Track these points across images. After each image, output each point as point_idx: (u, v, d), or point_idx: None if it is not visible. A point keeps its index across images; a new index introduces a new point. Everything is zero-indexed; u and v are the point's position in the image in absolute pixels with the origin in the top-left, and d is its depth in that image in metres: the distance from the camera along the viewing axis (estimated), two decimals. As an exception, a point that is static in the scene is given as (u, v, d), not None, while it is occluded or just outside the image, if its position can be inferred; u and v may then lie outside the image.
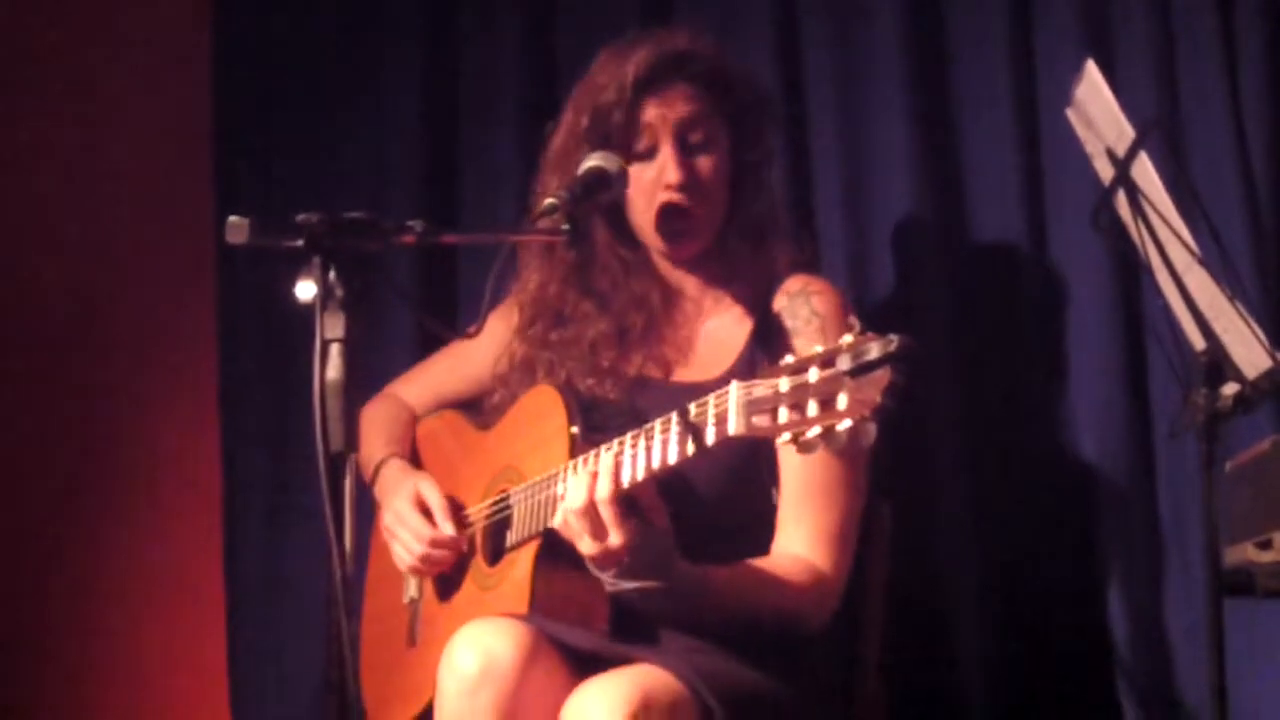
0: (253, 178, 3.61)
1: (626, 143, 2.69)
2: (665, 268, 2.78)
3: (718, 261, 2.76)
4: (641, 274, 2.76)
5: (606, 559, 2.45)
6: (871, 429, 2.08)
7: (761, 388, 2.19)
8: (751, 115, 2.76)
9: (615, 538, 2.42)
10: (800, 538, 2.62)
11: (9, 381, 3.59)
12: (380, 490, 2.87)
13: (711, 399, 2.30)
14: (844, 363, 2.09)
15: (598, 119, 2.70)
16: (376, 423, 2.96)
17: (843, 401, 2.08)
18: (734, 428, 2.24)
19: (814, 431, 2.11)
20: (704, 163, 2.71)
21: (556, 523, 2.49)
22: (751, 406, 2.20)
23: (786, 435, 2.15)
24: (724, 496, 2.65)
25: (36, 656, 3.60)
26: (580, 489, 2.44)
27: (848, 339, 2.11)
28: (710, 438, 2.30)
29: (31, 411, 3.61)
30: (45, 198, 3.62)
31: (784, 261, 2.76)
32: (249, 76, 3.63)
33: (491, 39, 3.47)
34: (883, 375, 2.06)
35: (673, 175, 2.69)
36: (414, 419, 3.00)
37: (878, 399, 2.06)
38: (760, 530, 2.65)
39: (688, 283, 2.78)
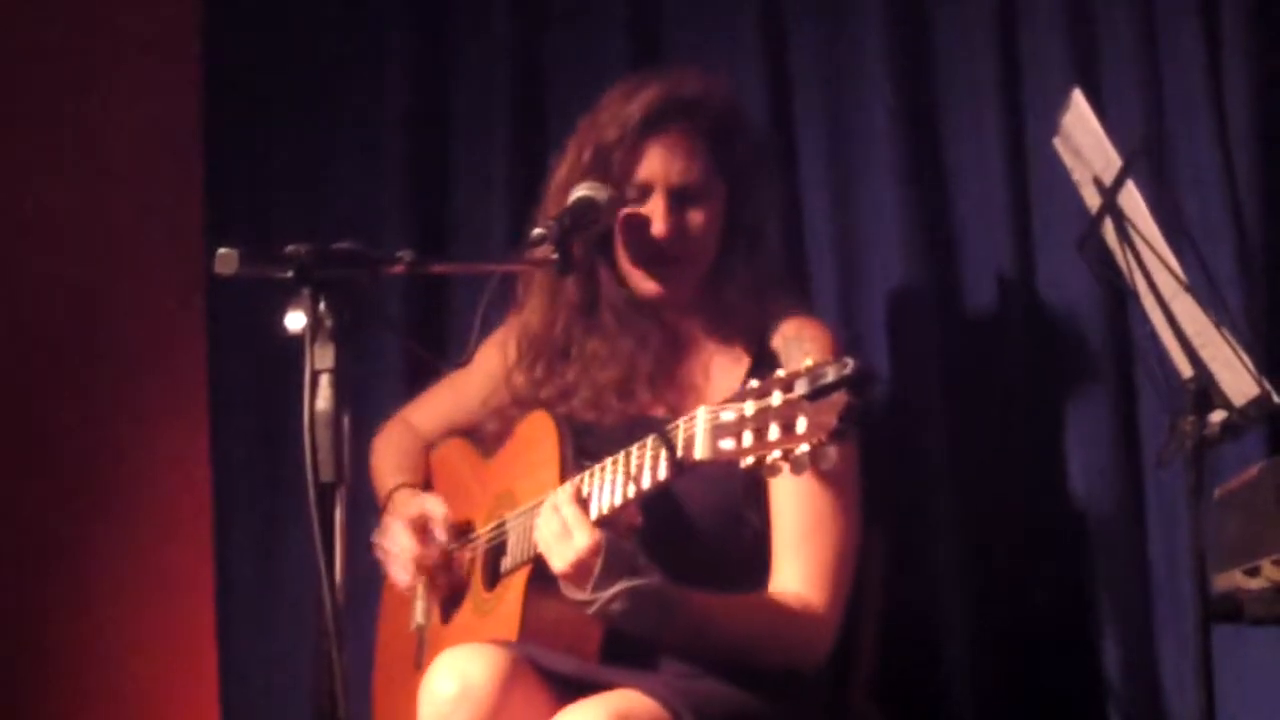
0: (244, 184, 3.62)
1: (623, 183, 2.69)
2: (663, 309, 2.77)
3: (714, 309, 2.76)
4: (644, 315, 2.76)
5: (579, 571, 2.45)
6: (831, 453, 2.11)
7: (727, 412, 2.20)
8: (751, 173, 2.76)
9: (581, 537, 2.43)
10: (795, 575, 2.62)
11: (2, 391, 3.59)
12: (388, 515, 2.90)
13: (681, 424, 2.32)
14: (801, 387, 2.12)
15: (599, 155, 2.70)
16: (389, 452, 3.01)
17: (801, 425, 2.11)
18: (700, 452, 2.26)
19: (774, 455, 2.13)
20: (694, 216, 2.71)
21: (536, 535, 2.51)
22: (718, 431, 2.21)
23: (750, 459, 2.16)
24: (717, 540, 2.66)
25: (27, 667, 3.59)
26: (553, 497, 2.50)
27: (807, 363, 2.13)
28: (680, 462, 2.32)
29: (26, 418, 3.60)
30: (40, 203, 3.61)
31: (780, 306, 2.76)
32: (240, 84, 3.65)
33: (482, 49, 3.48)
34: (839, 398, 2.09)
35: (660, 226, 2.69)
36: (424, 444, 3.03)
37: (834, 422, 2.08)
38: (755, 574, 2.66)
39: (687, 327, 2.78)
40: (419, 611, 2.90)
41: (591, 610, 2.47)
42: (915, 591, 3.03)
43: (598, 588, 2.45)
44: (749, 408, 2.16)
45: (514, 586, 2.64)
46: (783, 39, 3.26)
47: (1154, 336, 2.57)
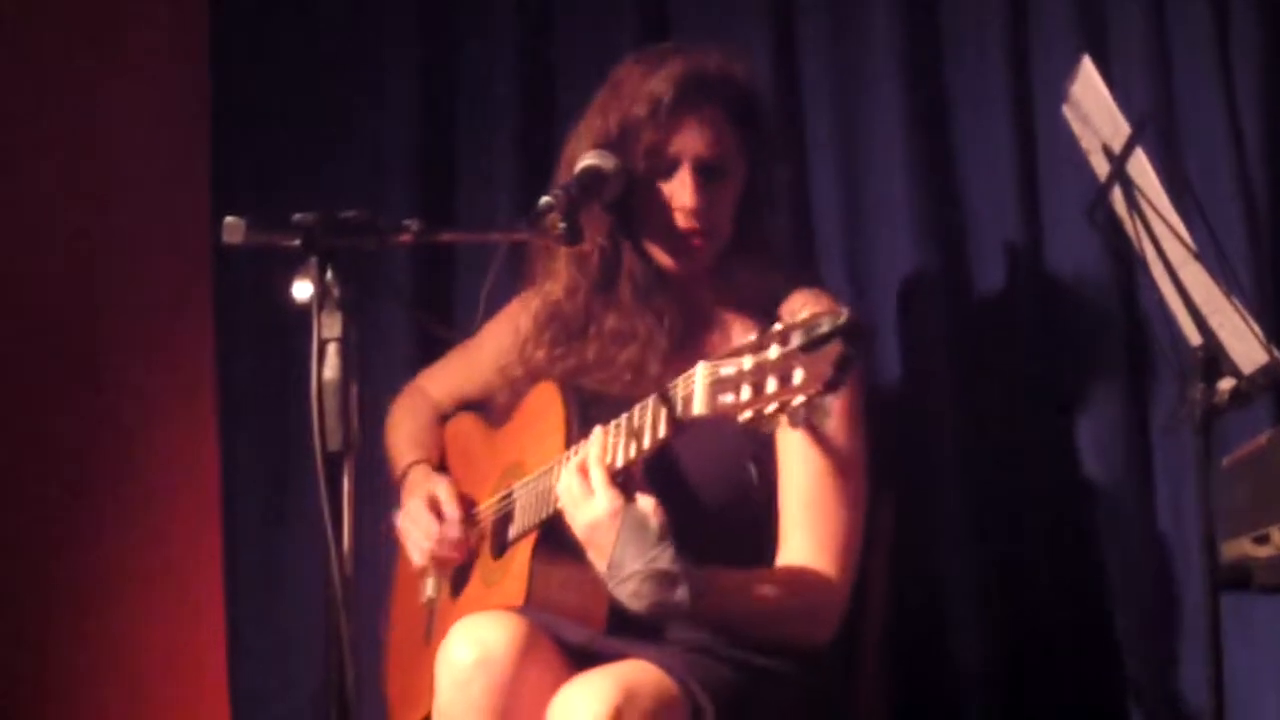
0: (249, 178, 3.61)
1: (650, 157, 2.69)
2: (681, 282, 2.78)
3: (725, 279, 2.77)
4: (662, 290, 2.76)
5: (595, 532, 2.46)
6: (828, 404, 2.12)
7: (726, 367, 2.21)
8: (768, 151, 2.78)
9: (601, 499, 2.45)
10: (803, 546, 2.63)
11: (7, 382, 3.59)
12: (405, 492, 2.93)
13: (680, 380, 2.34)
14: (797, 338, 2.12)
15: (626, 130, 2.69)
16: (404, 425, 3.04)
17: (798, 377, 2.11)
18: (699, 408, 2.26)
19: (771, 408, 2.14)
20: (719, 189, 2.72)
21: (559, 491, 2.51)
22: (717, 386, 2.22)
23: (748, 413, 2.17)
24: (719, 501, 2.66)
25: (35, 659, 3.59)
26: (576, 458, 2.51)
27: (803, 315, 2.14)
28: (679, 418, 2.34)
29: (29, 413, 3.60)
30: (44, 198, 3.61)
31: (789, 279, 2.77)
32: (247, 76, 3.65)
33: (488, 39, 3.47)
34: (834, 349, 2.09)
35: (688, 200, 2.69)
36: (440, 417, 3.06)
37: (829, 372, 2.09)
38: (759, 535, 2.66)
39: (702, 300, 2.79)
40: (429, 586, 2.92)
41: (610, 588, 2.48)
42: (924, 558, 3.03)
43: (616, 563, 2.46)
44: (747, 362, 2.18)
45: (520, 553, 2.65)
46: (792, 26, 3.26)
47: (1163, 305, 2.56)
